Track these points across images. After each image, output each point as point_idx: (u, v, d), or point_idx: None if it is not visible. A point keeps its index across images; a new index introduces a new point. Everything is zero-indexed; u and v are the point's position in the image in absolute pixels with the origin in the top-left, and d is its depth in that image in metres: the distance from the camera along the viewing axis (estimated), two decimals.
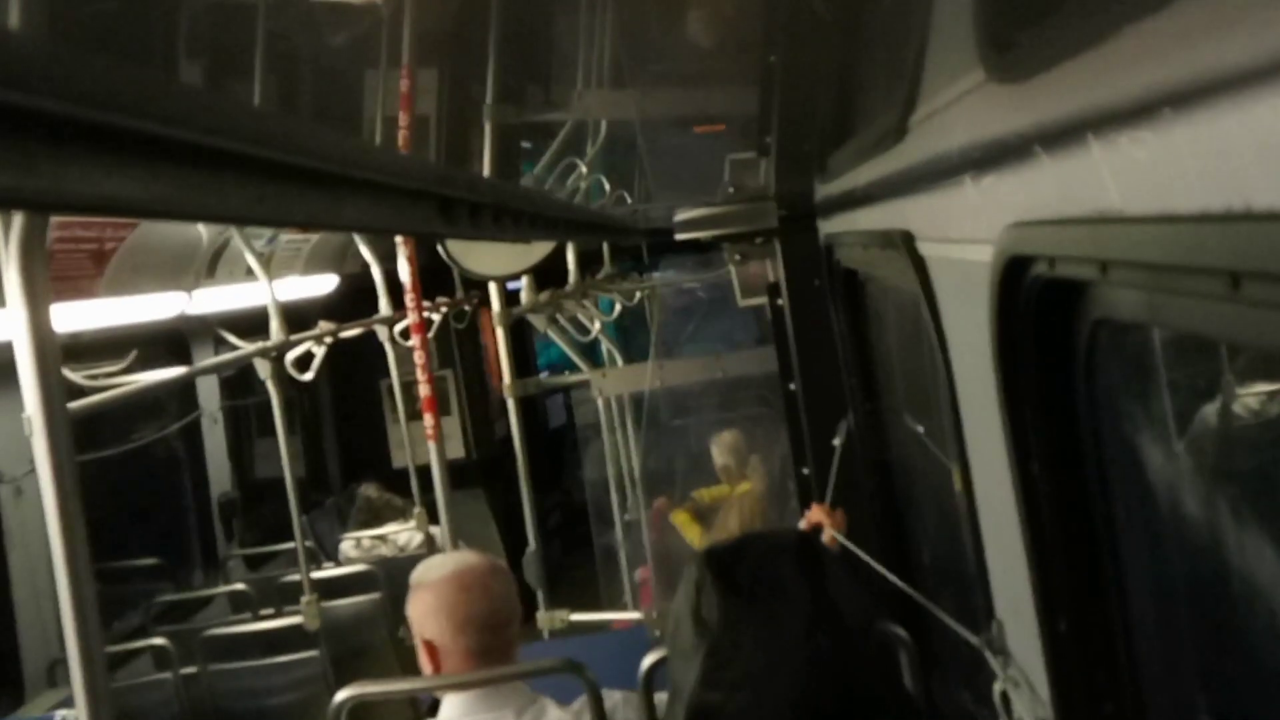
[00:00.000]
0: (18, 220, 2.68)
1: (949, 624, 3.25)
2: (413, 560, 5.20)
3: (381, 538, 9.85)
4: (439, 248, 6.69)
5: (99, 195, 1.09)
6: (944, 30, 2.54)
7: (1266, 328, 1.23)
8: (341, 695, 3.72)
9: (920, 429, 4.06)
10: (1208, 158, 1.22)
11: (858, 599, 2.74)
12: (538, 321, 8.41)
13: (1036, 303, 2.01)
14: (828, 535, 4.09)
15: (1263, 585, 1.72)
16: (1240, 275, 1.19)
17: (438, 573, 3.92)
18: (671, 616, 2.72)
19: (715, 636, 2.58)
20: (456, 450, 13.14)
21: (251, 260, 7.02)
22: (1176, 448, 1.94)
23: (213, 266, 7.95)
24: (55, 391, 2.88)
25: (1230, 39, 1.12)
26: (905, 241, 3.03)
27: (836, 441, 4.90)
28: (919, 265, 2.94)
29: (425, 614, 3.87)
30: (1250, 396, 1.75)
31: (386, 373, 8.89)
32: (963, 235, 2.47)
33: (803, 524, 4.34)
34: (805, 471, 5.40)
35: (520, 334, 11.29)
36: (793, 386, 5.38)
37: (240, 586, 9.01)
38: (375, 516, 10.18)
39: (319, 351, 7.46)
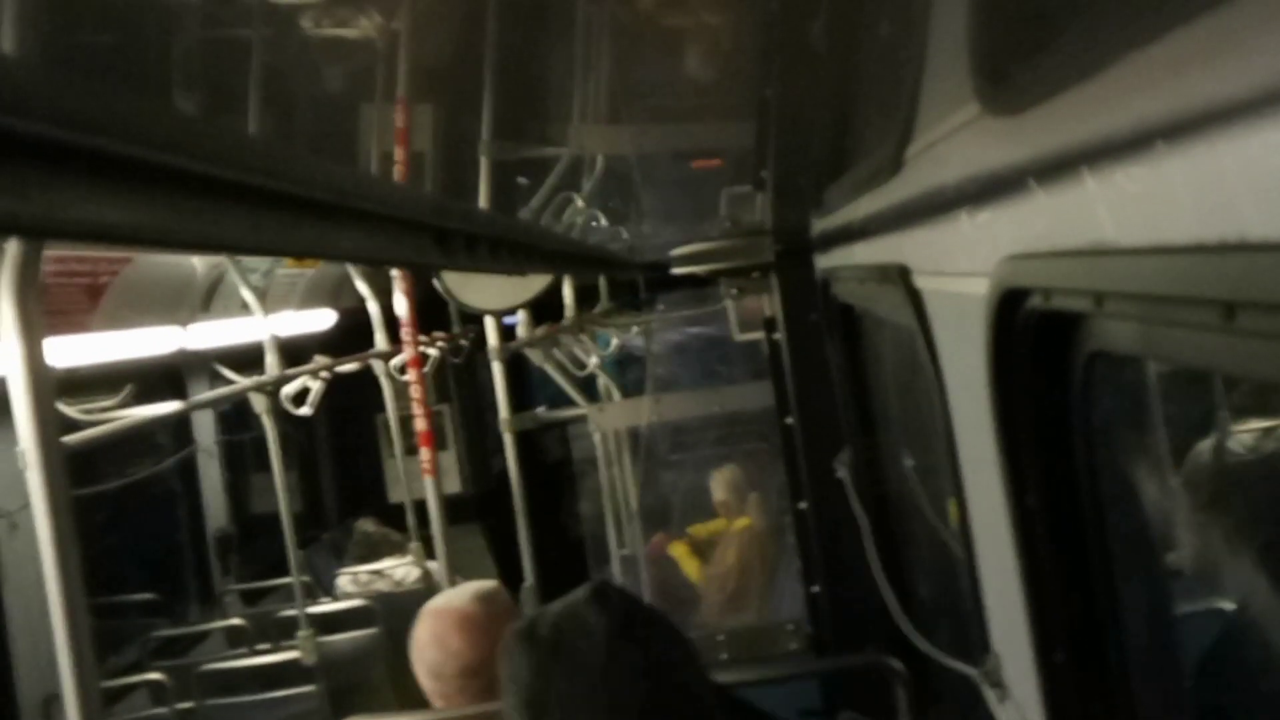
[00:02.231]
0: (12, 251, 2.68)
1: (945, 657, 3.25)
2: (409, 595, 5.20)
3: (378, 573, 9.83)
4: (435, 281, 6.70)
5: (93, 222, 1.09)
6: (939, 64, 2.55)
7: (1261, 358, 1.23)
8: None
9: (917, 462, 4.05)
10: (1201, 189, 1.22)
11: (656, 617, 2.80)
12: (535, 356, 8.41)
13: (1032, 335, 2.01)
14: None
15: (1259, 617, 1.72)
16: (1235, 306, 1.19)
17: (426, 612, 3.94)
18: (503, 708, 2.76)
19: (527, 685, 2.63)
20: (453, 485, 13.13)
21: (246, 294, 7.01)
22: (1172, 480, 1.94)
23: (208, 301, 7.95)
24: (50, 425, 2.88)
25: (1223, 71, 1.12)
26: (901, 275, 3.03)
27: (840, 474, 4.90)
28: (915, 299, 2.94)
29: (412, 649, 3.91)
30: (1245, 429, 1.75)
31: (383, 407, 8.88)
32: (958, 269, 2.47)
33: None
34: (802, 506, 5.39)
35: (518, 369, 11.29)
36: (790, 421, 5.38)
37: (237, 621, 9.01)
38: (372, 551, 10.17)
39: (315, 386, 7.44)
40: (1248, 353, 1.25)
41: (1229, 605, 1.81)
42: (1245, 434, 1.75)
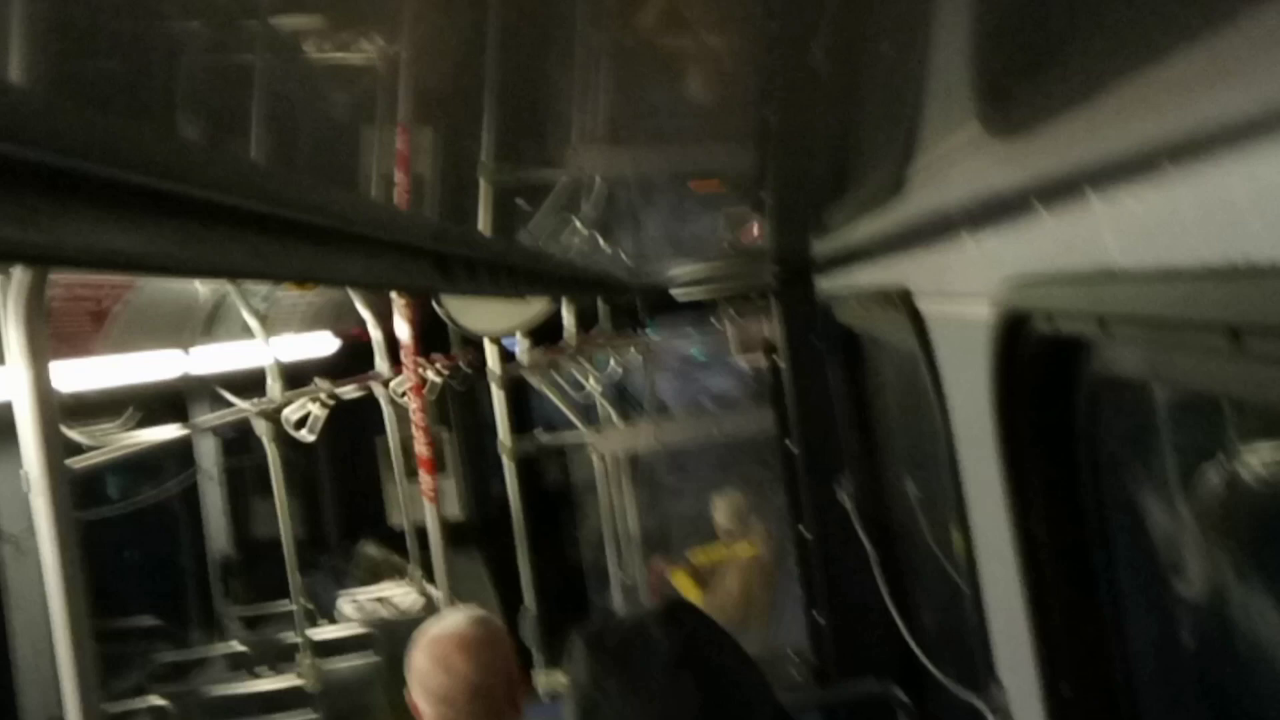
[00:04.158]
0: (18, 276, 2.68)
1: (950, 686, 3.23)
2: (410, 621, 5.20)
3: (379, 597, 9.82)
4: (435, 305, 6.70)
5: (99, 249, 1.08)
6: (940, 85, 2.54)
7: (1267, 382, 1.22)
8: None
9: (920, 488, 4.04)
10: (1207, 211, 1.22)
11: (726, 643, 2.81)
12: (534, 379, 8.41)
13: (1036, 359, 2.00)
14: None
15: (1269, 648, 1.71)
16: (1241, 329, 1.18)
17: (422, 638, 3.96)
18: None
19: (583, 691, 2.67)
20: (454, 510, 13.10)
21: (249, 318, 7.01)
22: (1180, 508, 1.92)
23: (211, 325, 7.94)
24: (55, 449, 2.88)
25: (1229, 91, 1.11)
26: (903, 298, 3.02)
27: (843, 500, 4.88)
28: (917, 322, 2.93)
29: (410, 676, 3.92)
30: (1255, 455, 1.74)
31: (384, 431, 8.87)
32: (961, 291, 2.46)
33: None
34: (804, 532, 5.37)
35: (518, 392, 11.29)
36: (791, 446, 5.36)
37: (238, 646, 8.99)
38: (374, 575, 10.17)
39: (316, 410, 7.43)
40: (1254, 377, 1.24)
41: (1239, 635, 1.79)
42: (1255, 460, 1.73)
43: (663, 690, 2.62)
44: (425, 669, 3.87)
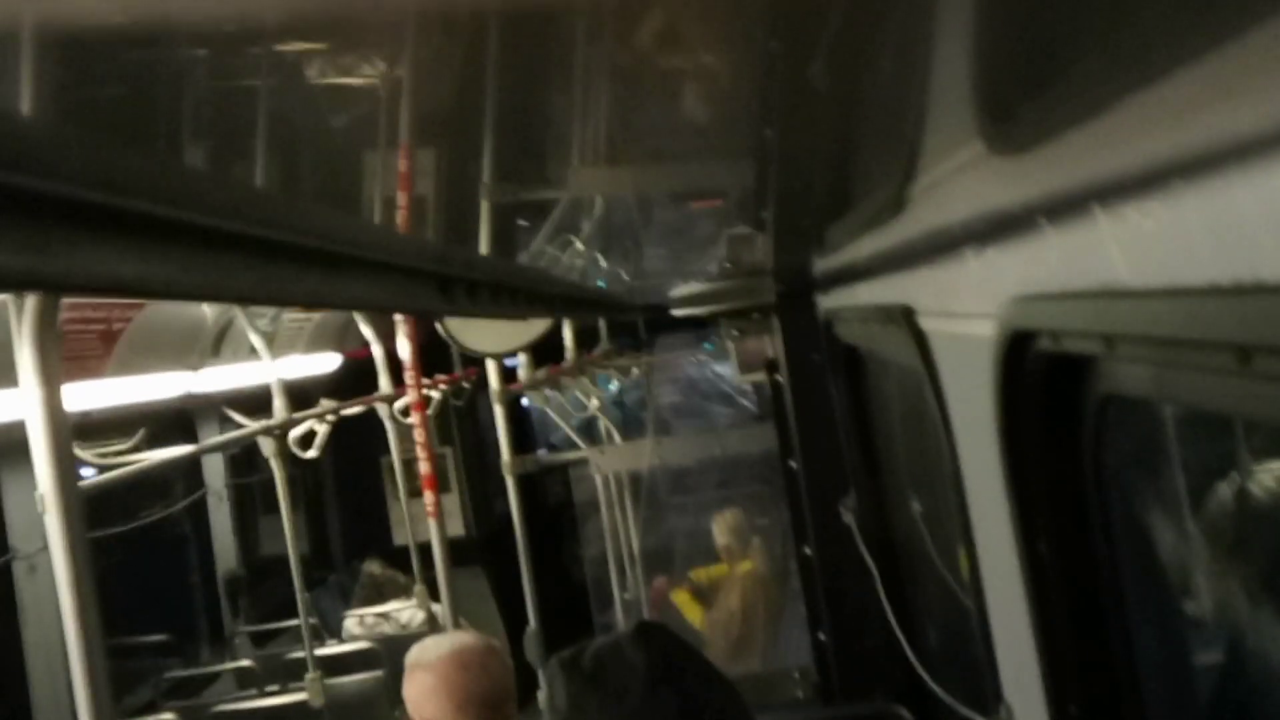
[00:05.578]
0: (31, 302, 2.71)
1: (955, 706, 3.22)
2: (415, 638, 5.21)
3: (384, 615, 9.82)
4: (437, 325, 6.70)
5: (111, 277, 1.10)
6: (943, 102, 2.54)
7: (1277, 401, 1.21)
8: None
9: (924, 507, 4.03)
10: (1215, 229, 1.21)
11: (698, 660, 2.83)
12: (536, 398, 8.40)
13: (1041, 378, 1.99)
14: None
15: (1277, 666, 1.70)
16: (1250, 349, 1.17)
17: (435, 653, 3.96)
18: None
19: (563, 713, 2.69)
20: (457, 528, 13.09)
21: (255, 339, 7.02)
22: (1188, 527, 1.92)
23: (217, 346, 7.97)
24: (68, 470, 2.91)
25: (1236, 107, 1.11)
26: (905, 316, 3.01)
27: (846, 519, 4.87)
28: (920, 340, 2.92)
29: (424, 694, 3.90)
30: (1265, 474, 1.73)
31: (388, 450, 8.87)
32: (965, 310, 2.45)
33: None
34: (807, 551, 5.35)
35: (520, 411, 11.28)
36: (793, 464, 5.34)
37: (246, 663, 9.02)
38: (378, 593, 10.19)
39: (321, 429, 7.43)
40: (1264, 397, 1.24)
41: (1248, 654, 1.79)
42: (1265, 478, 1.73)
43: (641, 707, 2.63)
44: (461, 675, 3.88)
